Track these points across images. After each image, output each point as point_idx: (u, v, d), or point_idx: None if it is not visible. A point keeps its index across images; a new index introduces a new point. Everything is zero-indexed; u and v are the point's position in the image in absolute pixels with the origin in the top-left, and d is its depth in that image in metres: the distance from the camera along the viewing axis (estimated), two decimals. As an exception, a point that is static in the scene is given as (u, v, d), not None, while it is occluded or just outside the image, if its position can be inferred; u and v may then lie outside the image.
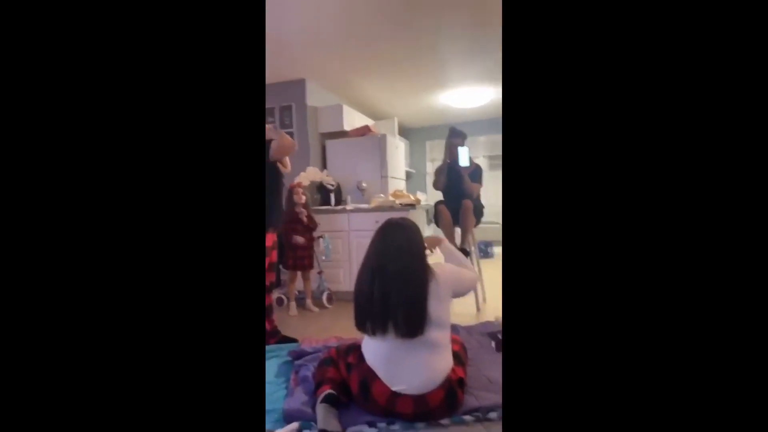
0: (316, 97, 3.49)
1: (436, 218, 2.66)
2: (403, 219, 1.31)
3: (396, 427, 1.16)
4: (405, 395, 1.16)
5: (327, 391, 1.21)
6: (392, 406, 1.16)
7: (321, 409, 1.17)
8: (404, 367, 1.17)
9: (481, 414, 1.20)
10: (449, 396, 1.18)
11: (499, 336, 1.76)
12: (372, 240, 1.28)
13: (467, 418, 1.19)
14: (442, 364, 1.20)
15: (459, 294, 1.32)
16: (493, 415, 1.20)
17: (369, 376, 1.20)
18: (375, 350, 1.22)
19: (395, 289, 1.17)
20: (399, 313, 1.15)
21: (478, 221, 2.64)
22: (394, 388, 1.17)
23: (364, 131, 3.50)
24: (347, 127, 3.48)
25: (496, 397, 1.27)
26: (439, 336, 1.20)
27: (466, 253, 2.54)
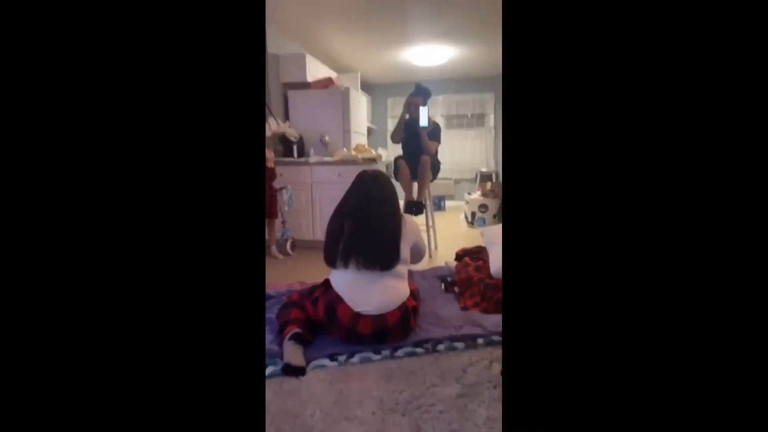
0: (277, 44, 3.17)
1: (396, 172, 2.63)
2: (379, 171, 1.44)
3: (355, 359, 1.20)
4: (366, 316, 1.24)
5: (294, 330, 1.23)
6: (354, 325, 1.24)
7: (288, 346, 1.19)
8: (367, 291, 1.26)
9: (430, 346, 1.28)
10: (404, 318, 1.28)
11: (448, 279, 1.85)
12: (351, 187, 1.39)
13: (419, 350, 1.26)
14: (400, 289, 1.31)
15: (413, 254, 1.43)
16: (441, 347, 1.28)
17: (335, 300, 1.28)
18: (342, 279, 1.30)
19: (374, 228, 1.28)
20: (376, 249, 1.26)
21: (434, 177, 2.65)
22: (356, 309, 1.24)
23: (327, 83, 3.27)
24: (310, 79, 3.23)
25: (443, 331, 1.35)
26: (400, 269, 1.32)
27: (422, 206, 2.57)
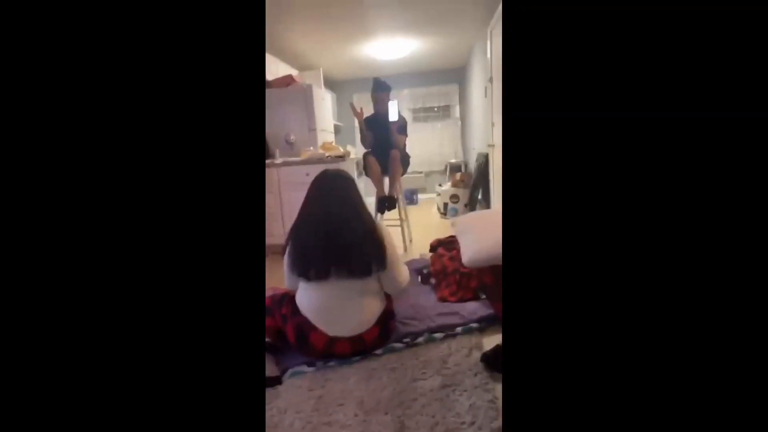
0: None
1: (366, 168, 2.60)
2: (339, 170, 1.27)
3: (333, 363, 1.17)
4: (342, 339, 1.15)
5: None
6: (330, 349, 1.16)
7: (259, 357, 1.13)
8: (342, 313, 1.15)
9: (410, 340, 1.26)
10: (383, 330, 1.21)
11: (424, 271, 1.84)
12: (311, 189, 1.21)
13: (398, 345, 1.24)
14: (377, 305, 1.21)
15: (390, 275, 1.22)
16: (420, 339, 1.26)
17: (305, 326, 1.17)
18: (312, 300, 1.17)
19: (344, 234, 1.13)
20: (351, 255, 1.12)
21: (404, 170, 2.63)
22: (331, 334, 1.15)
23: (288, 81, 3.18)
24: (269, 77, 3.13)
25: (421, 324, 1.34)
26: (375, 279, 1.20)
27: (395, 201, 2.55)
